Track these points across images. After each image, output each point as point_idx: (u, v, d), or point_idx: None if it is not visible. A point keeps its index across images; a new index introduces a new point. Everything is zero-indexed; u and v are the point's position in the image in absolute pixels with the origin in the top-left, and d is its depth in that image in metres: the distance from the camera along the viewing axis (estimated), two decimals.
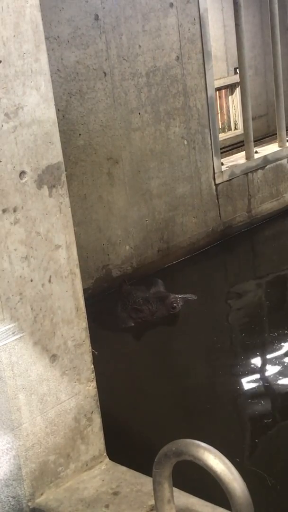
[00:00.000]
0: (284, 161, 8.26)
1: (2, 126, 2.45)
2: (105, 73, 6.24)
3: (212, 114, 7.30)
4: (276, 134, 8.46)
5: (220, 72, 9.78)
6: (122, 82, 6.40)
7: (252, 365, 5.16)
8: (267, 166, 8.07)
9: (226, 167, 7.70)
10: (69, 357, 2.77)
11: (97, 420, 2.92)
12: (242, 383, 4.96)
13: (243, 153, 8.03)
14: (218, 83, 9.16)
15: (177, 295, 6.06)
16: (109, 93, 6.31)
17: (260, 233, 7.93)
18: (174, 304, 5.95)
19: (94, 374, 2.89)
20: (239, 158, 8.07)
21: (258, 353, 5.34)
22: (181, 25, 6.83)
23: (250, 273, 7.21)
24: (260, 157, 7.99)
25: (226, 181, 7.60)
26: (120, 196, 6.59)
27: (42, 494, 2.76)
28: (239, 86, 8.10)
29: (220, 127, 9.67)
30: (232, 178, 7.67)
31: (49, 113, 2.58)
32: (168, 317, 5.93)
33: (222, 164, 7.66)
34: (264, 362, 5.24)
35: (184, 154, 7.11)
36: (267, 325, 5.86)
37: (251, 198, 7.92)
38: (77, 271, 2.76)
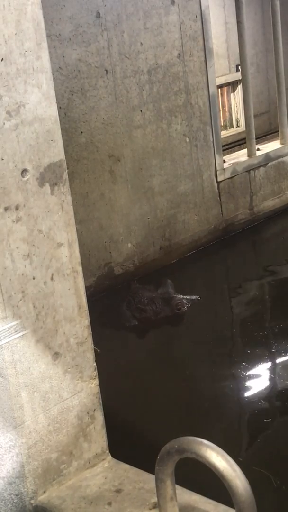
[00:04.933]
0: (286, 158, 8.25)
1: (4, 124, 2.44)
2: (106, 70, 6.24)
3: (213, 111, 7.29)
4: (278, 131, 8.45)
5: (222, 69, 9.76)
6: (123, 79, 6.40)
7: (255, 363, 5.16)
8: (269, 164, 8.06)
9: (228, 164, 7.69)
10: (71, 355, 2.77)
11: (100, 417, 2.92)
12: (245, 382, 4.96)
13: (245, 150, 8.02)
14: (219, 81, 9.15)
15: (183, 297, 6.04)
16: (110, 91, 6.31)
17: (262, 230, 7.93)
18: (179, 306, 5.94)
19: (96, 371, 2.89)
20: (241, 155, 8.06)
21: (261, 352, 5.34)
22: (182, 23, 6.82)
23: (252, 270, 7.20)
24: (262, 155, 7.98)
25: (228, 178, 7.60)
26: (122, 193, 6.59)
27: (44, 492, 2.76)
28: (241, 84, 8.09)
29: (222, 124, 9.64)
30: (234, 176, 7.66)
31: (51, 111, 2.58)
32: (172, 317, 5.93)
33: (224, 161, 7.65)
34: (268, 360, 5.23)
35: (186, 151, 7.11)
36: (270, 323, 5.86)
37: (253, 196, 7.91)
38: (79, 269, 2.76)
